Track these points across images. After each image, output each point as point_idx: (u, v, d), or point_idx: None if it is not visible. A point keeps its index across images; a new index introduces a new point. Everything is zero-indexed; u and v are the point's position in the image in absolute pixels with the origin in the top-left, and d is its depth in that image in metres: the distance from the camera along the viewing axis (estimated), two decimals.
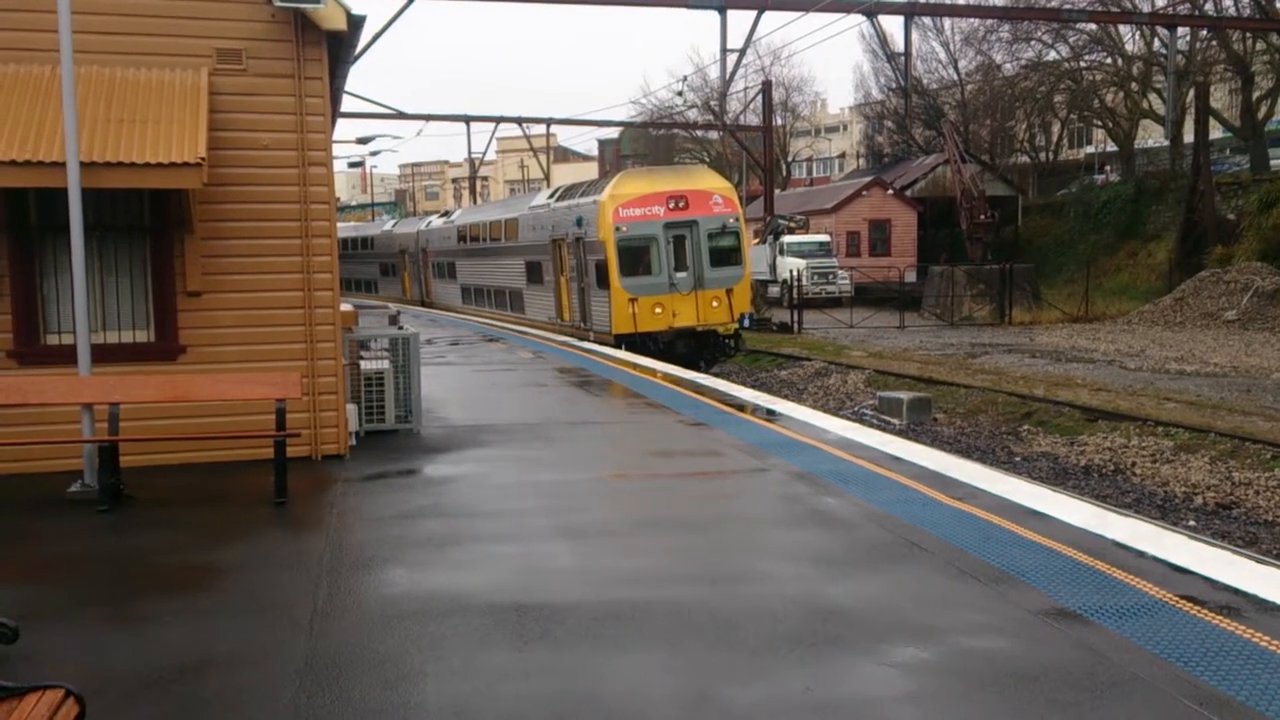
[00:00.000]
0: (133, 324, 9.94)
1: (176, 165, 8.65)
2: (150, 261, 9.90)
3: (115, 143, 8.76)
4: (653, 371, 18.08)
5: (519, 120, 50.38)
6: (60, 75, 8.47)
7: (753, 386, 20.13)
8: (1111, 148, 57.89)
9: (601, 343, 24.27)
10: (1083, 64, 52.99)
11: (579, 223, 25.72)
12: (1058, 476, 14.18)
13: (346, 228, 59.21)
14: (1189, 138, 44.15)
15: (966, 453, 15.09)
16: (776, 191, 53.55)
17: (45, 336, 9.74)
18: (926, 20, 53.05)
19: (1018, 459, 15.47)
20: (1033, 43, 53.47)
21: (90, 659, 5.30)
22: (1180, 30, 43.91)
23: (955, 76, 60.45)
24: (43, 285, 9.72)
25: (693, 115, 63.87)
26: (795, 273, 40.43)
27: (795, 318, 35.83)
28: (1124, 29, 48.44)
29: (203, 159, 8.68)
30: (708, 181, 25.83)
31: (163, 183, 8.90)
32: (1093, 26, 46.97)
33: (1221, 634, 5.33)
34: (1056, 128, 61.74)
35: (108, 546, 7.47)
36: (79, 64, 8.74)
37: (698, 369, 21.75)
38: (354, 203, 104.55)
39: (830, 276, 45.36)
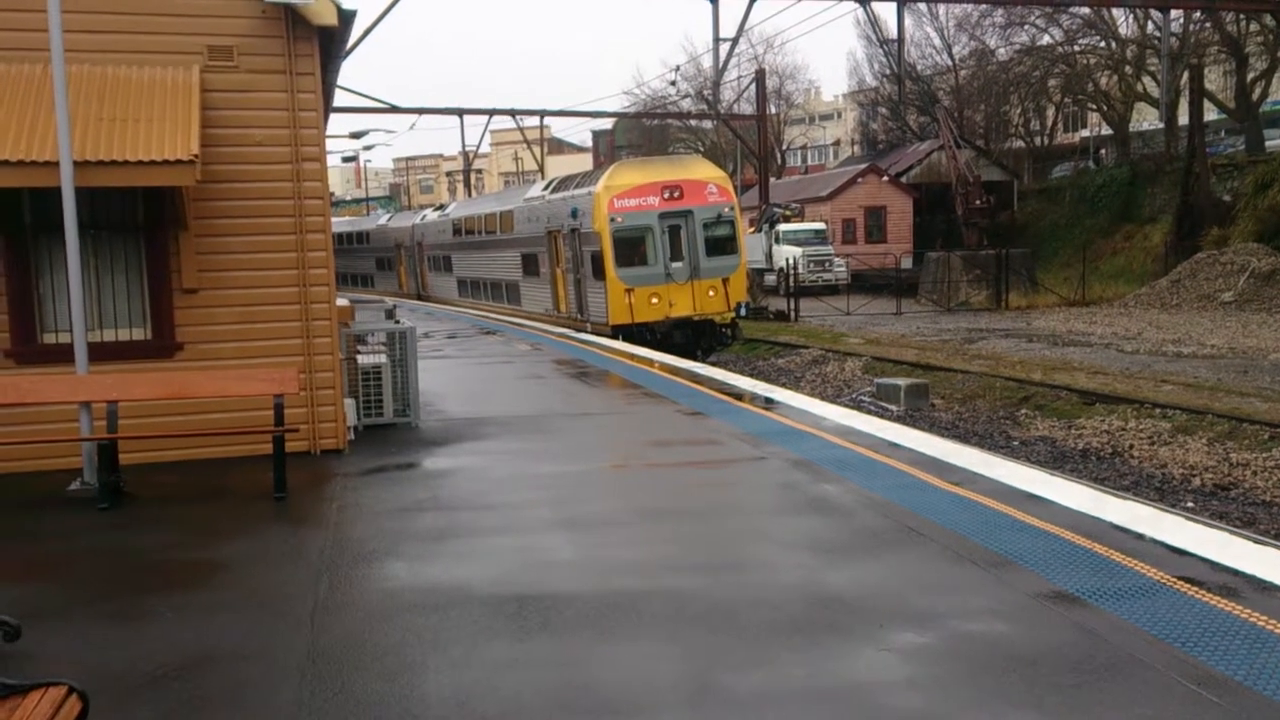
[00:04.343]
0: (129, 322, 9.95)
1: (170, 163, 8.64)
2: (145, 259, 9.92)
3: (108, 141, 8.75)
4: (650, 362, 18.10)
5: (512, 112, 50.22)
6: (51, 74, 8.45)
7: (750, 375, 20.14)
8: (1106, 131, 57.78)
9: (598, 334, 24.28)
10: (1076, 48, 52.82)
11: (574, 214, 25.71)
12: (1055, 460, 14.20)
13: (341, 222, 59.06)
14: (1184, 120, 44.11)
15: (964, 438, 15.11)
16: (771, 180, 53.55)
17: (42, 335, 9.75)
18: (920, 6, 52.78)
19: (1015, 443, 15.49)
20: (1026, 27, 53.33)
21: (92, 656, 5.32)
22: (1173, 12, 43.78)
23: (949, 62, 60.32)
24: (39, 284, 9.73)
25: (686, 105, 63.71)
26: (791, 261, 40.42)
27: (792, 305, 35.77)
28: (1117, 12, 48.31)
29: (196, 156, 8.67)
30: (702, 171, 25.81)
31: (156, 180, 8.88)
32: (1086, 10, 46.84)
33: (1220, 615, 5.36)
34: (1051, 112, 61.63)
35: (108, 544, 7.49)
36: (70, 63, 8.72)
37: (695, 358, 21.76)
38: (348, 197, 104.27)
39: (826, 264, 45.30)
